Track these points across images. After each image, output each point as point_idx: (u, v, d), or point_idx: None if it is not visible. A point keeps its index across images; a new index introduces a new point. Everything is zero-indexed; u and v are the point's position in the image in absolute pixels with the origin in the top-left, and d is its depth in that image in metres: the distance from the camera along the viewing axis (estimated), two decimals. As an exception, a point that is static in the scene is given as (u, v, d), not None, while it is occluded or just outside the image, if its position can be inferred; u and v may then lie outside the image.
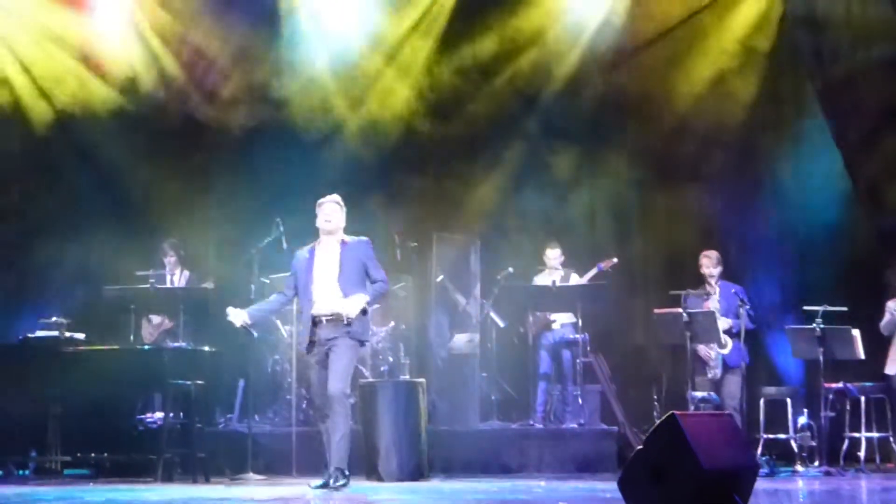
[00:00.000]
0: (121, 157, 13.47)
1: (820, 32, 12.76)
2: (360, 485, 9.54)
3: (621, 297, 12.45)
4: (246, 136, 13.60)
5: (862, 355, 11.23)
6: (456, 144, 13.87)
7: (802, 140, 13.22)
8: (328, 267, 9.15)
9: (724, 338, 11.25)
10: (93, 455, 10.79)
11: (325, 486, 8.93)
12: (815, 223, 13.06)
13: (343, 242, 9.21)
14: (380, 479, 10.11)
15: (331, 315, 9.03)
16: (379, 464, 10.21)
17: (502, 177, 13.77)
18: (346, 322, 9.01)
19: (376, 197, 13.13)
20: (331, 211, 9.18)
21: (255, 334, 10.39)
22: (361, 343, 9.29)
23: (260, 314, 9.50)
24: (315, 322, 9.06)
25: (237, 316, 9.28)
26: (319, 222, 9.20)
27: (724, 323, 11.31)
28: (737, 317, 11.32)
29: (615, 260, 12.29)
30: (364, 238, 9.34)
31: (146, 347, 11.30)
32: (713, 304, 11.42)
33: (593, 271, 12.27)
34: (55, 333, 10.64)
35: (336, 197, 9.27)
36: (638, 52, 13.61)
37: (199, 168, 13.64)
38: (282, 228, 10.52)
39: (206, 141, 13.64)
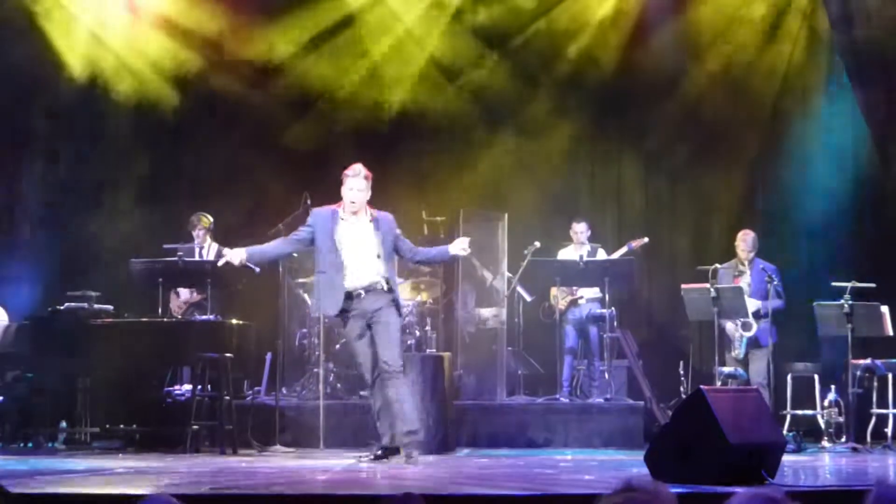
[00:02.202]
0: (151, 131, 13.54)
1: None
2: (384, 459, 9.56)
3: (648, 272, 12.42)
4: (275, 110, 13.61)
5: (890, 332, 11.18)
6: (483, 119, 13.86)
7: (831, 113, 13.14)
8: (364, 239, 9.03)
9: (751, 319, 11.21)
10: (122, 427, 10.87)
11: (384, 454, 8.90)
12: (843, 198, 13.00)
13: (373, 217, 9.14)
14: (406, 452, 10.12)
15: (370, 286, 8.97)
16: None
17: (529, 152, 13.75)
18: (387, 290, 8.99)
19: (403, 172, 13.14)
20: (364, 185, 9.03)
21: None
22: (400, 311, 9.25)
23: (259, 254, 9.38)
24: (352, 295, 9.01)
25: (235, 255, 9.15)
26: (351, 194, 9.02)
27: (752, 305, 11.26)
28: (766, 297, 11.28)
29: (646, 239, 12.26)
30: (387, 213, 9.29)
31: (175, 320, 11.35)
32: (744, 282, 11.38)
33: (623, 250, 12.25)
34: (84, 305, 10.70)
35: (365, 170, 9.13)
36: (663, 25, 13.53)
37: (225, 142, 13.67)
38: (309, 202, 10.53)
39: (235, 115, 13.66)
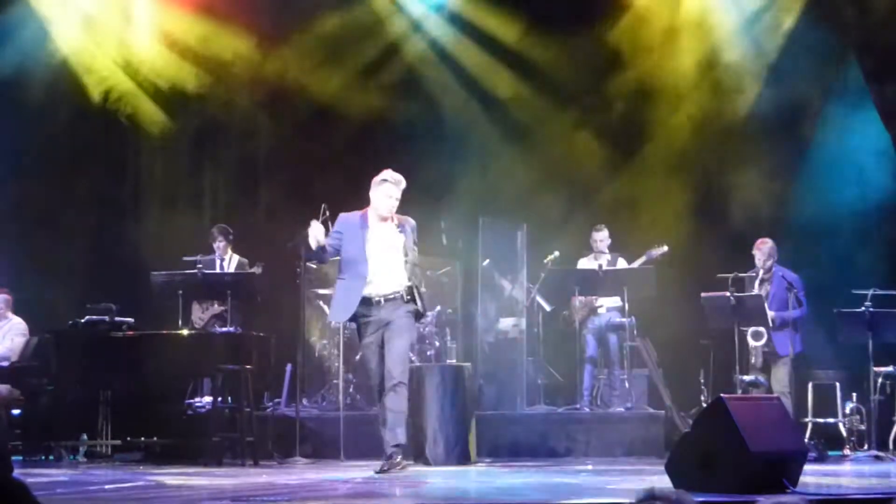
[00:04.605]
0: (173, 143, 13.63)
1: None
2: (408, 469, 9.56)
3: (668, 281, 12.39)
4: (298, 123, 13.69)
5: (913, 339, 11.15)
6: (501, 128, 13.87)
7: (851, 118, 13.11)
8: (393, 246, 8.98)
9: (762, 329, 11.17)
10: (142, 439, 10.90)
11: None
12: (864, 204, 12.95)
13: (399, 222, 9.06)
14: (427, 463, 10.12)
15: (391, 294, 8.94)
16: (426, 448, 10.23)
17: (549, 160, 13.75)
18: (406, 299, 8.96)
19: (422, 182, 13.15)
20: (395, 197, 8.96)
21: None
22: (419, 317, 9.20)
23: (326, 249, 9.09)
24: (370, 302, 8.97)
25: (317, 231, 8.94)
26: (389, 202, 8.95)
27: (769, 314, 11.21)
28: (785, 307, 11.23)
29: (665, 248, 12.24)
30: (408, 218, 9.21)
31: (195, 332, 11.38)
32: (763, 291, 11.34)
33: (643, 258, 12.24)
34: (105, 318, 10.74)
35: (399, 177, 9.03)
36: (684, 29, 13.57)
37: (246, 155, 13.74)
38: (327, 213, 10.53)
39: (254, 128, 13.72)
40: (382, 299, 8.94)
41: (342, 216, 9.18)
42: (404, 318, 8.98)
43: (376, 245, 8.99)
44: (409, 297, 8.97)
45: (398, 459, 8.89)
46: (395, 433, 8.92)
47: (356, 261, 8.98)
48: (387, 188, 8.97)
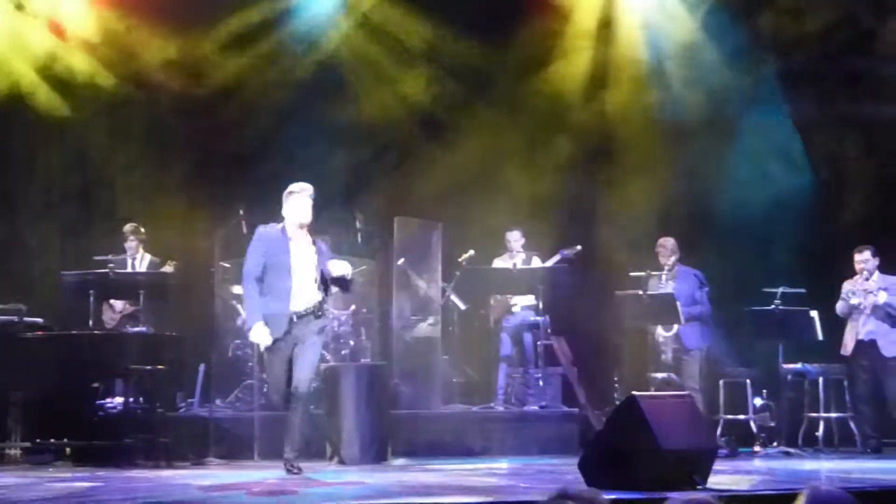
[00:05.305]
0: (83, 139, 13.41)
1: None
2: (322, 468, 9.54)
3: (582, 279, 12.47)
4: (207, 119, 13.56)
5: (820, 336, 11.32)
6: (417, 126, 13.87)
7: (764, 121, 13.31)
8: (307, 263, 8.91)
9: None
10: (53, 441, 10.73)
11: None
12: (774, 205, 13.15)
13: (314, 240, 9.02)
14: (342, 462, 10.10)
15: (306, 312, 8.87)
16: (342, 447, 10.20)
17: (464, 160, 13.77)
18: (317, 316, 8.91)
19: (337, 181, 13.11)
20: (309, 205, 8.93)
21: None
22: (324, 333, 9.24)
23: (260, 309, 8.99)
24: (292, 319, 8.85)
25: (263, 337, 8.89)
26: (297, 214, 8.89)
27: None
28: (693, 301, 11.39)
29: (579, 248, 12.29)
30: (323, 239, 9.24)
31: (106, 332, 11.24)
32: (668, 288, 11.46)
33: (556, 258, 12.30)
34: (14, 318, 10.57)
35: (310, 188, 9.02)
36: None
37: (159, 151, 13.58)
38: (242, 213, 10.48)
39: (166, 123, 13.57)
40: (296, 316, 8.86)
41: (262, 231, 9.06)
42: (317, 333, 8.96)
43: (297, 261, 8.92)
44: (320, 313, 8.95)
45: (296, 465, 8.91)
46: (297, 441, 8.97)
47: (281, 276, 8.86)
48: (297, 198, 8.95)
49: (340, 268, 8.89)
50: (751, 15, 13.14)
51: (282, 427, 9.12)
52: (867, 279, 11.43)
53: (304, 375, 8.83)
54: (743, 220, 13.24)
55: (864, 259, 11.45)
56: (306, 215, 8.93)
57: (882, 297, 11.29)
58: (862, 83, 12.93)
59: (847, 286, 11.59)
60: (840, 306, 11.56)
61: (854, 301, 11.45)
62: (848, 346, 11.55)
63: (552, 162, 13.70)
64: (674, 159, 13.46)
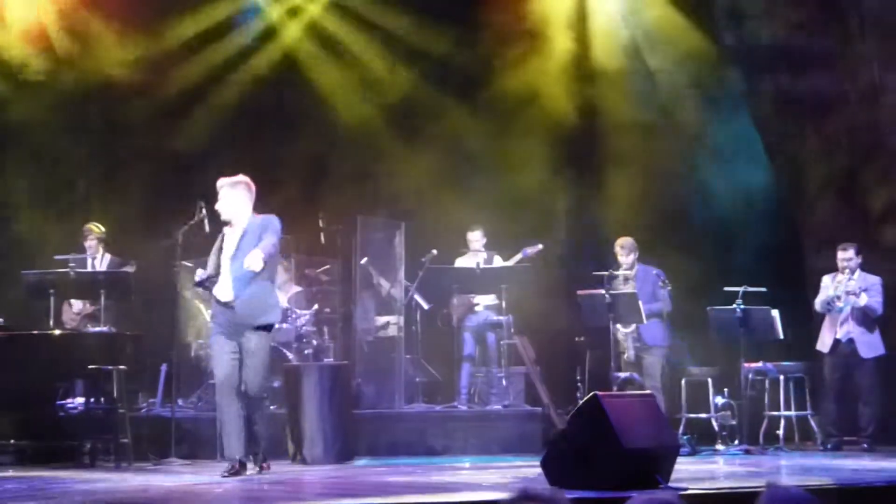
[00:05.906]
0: (43, 135, 13.31)
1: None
2: (285, 468, 9.52)
3: (545, 279, 12.49)
4: (169, 116, 13.49)
5: (781, 335, 11.37)
6: (380, 125, 13.86)
7: (726, 121, 13.37)
8: (229, 250, 9.00)
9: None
10: (13, 442, 10.64)
11: (240, 469, 8.80)
12: (736, 205, 13.22)
13: (245, 231, 8.96)
14: (305, 462, 10.09)
15: (232, 301, 8.86)
16: (304, 447, 10.18)
17: (427, 159, 13.76)
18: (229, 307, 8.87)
19: (300, 180, 13.08)
20: (225, 194, 9.00)
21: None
22: (270, 328, 9.12)
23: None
24: (226, 306, 8.91)
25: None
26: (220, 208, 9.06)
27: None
28: (654, 299, 11.42)
29: (540, 246, 12.31)
30: (271, 216, 9.10)
31: (67, 332, 11.15)
32: (630, 288, 11.49)
33: (518, 256, 12.30)
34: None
35: (229, 180, 9.04)
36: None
37: (118, 149, 13.51)
38: (204, 211, 10.41)
39: (122, 121, 13.48)
40: (228, 305, 8.88)
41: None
42: (258, 331, 8.91)
43: (226, 253, 9.01)
44: (232, 306, 8.90)
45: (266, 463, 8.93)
46: (260, 440, 9.03)
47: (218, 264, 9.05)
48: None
49: (247, 261, 8.73)
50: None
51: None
52: (850, 279, 11.42)
53: (256, 378, 8.89)
54: (706, 219, 13.32)
55: (847, 257, 11.45)
56: (222, 213, 9.04)
57: (863, 300, 11.30)
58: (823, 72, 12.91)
59: (826, 280, 11.57)
60: (819, 302, 11.55)
61: (839, 304, 11.40)
62: (826, 342, 11.55)
63: (515, 161, 13.72)
64: (639, 158, 13.48)
